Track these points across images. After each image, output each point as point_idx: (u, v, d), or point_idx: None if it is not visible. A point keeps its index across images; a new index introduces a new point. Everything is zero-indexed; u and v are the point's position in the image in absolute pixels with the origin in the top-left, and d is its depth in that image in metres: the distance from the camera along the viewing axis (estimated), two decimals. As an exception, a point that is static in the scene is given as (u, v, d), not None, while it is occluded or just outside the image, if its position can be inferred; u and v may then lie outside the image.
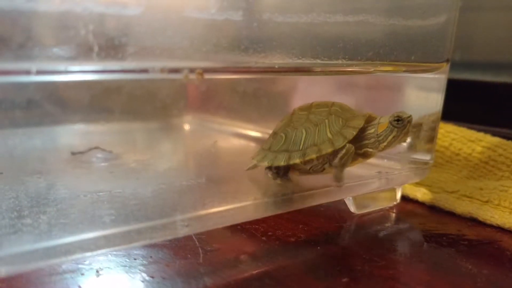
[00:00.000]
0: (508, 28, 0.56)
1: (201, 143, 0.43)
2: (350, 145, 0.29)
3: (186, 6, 0.23)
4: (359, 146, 0.30)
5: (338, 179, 0.30)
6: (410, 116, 0.30)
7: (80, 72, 0.22)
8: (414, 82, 0.38)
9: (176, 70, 0.23)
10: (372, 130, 0.30)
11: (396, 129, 0.29)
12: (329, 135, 0.30)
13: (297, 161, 0.29)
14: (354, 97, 0.36)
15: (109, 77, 0.23)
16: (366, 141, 0.30)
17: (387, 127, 0.30)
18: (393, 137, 0.30)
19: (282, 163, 0.30)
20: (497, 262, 0.28)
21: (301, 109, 0.32)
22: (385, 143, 0.30)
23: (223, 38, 0.25)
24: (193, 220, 0.26)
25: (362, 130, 0.30)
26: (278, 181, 0.31)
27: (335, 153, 0.29)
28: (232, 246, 0.29)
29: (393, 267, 0.27)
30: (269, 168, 0.31)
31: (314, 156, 0.29)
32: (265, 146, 0.32)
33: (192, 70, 0.24)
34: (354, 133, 0.29)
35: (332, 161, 0.30)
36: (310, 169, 0.31)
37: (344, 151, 0.29)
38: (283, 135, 0.31)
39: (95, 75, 0.22)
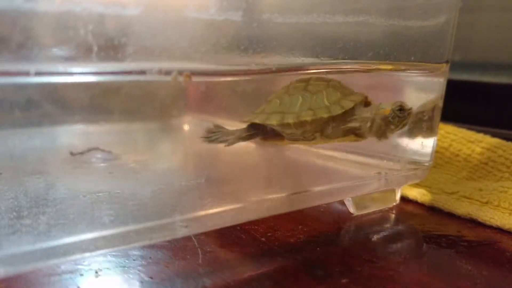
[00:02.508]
0: (508, 29, 0.56)
1: (200, 144, 0.43)
2: (381, 120, 0.29)
3: (185, 6, 0.23)
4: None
5: (380, 133, 0.30)
6: (410, 108, 0.30)
7: (78, 74, 0.22)
8: (413, 83, 0.38)
9: (166, 72, 0.23)
10: (369, 114, 0.30)
11: (397, 117, 0.29)
12: (326, 102, 0.29)
13: (290, 121, 0.29)
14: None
15: (104, 78, 0.23)
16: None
17: (389, 113, 0.29)
18: (394, 125, 0.30)
19: (274, 122, 0.29)
20: (496, 263, 0.28)
21: (299, 81, 0.31)
22: (382, 131, 0.30)
23: (223, 38, 0.25)
24: (193, 221, 0.26)
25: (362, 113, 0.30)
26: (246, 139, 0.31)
27: (329, 123, 0.29)
28: (231, 247, 0.29)
29: (392, 268, 0.27)
30: (248, 129, 0.31)
31: (308, 118, 0.29)
32: (257, 110, 0.31)
33: (180, 73, 0.23)
34: (352, 104, 0.29)
35: (324, 131, 0.30)
36: (301, 134, 0.30)
37: (362, 116, 0.29)
38: (278, 101, 0.30)
39: (91, 77, 0.22)
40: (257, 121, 0.30)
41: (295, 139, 0.31)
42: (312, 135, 0.30)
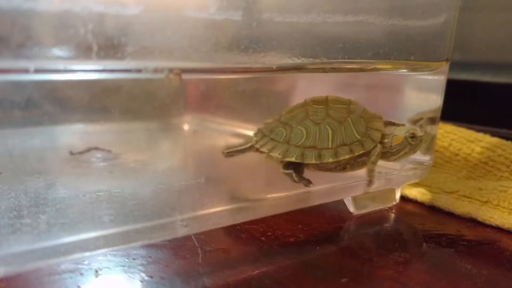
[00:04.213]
0: (508, 28, 0.56)
1: (200, 143, 0.43)
2: (381, 145, 0.30)
3: (185, 6, 0.23)
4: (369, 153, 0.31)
5: (371, 176, 0.31)
6: (422, 135, 0.31)
7: (75, 71, 0.22)
8: (413, 81, 0.38)
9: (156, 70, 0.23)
10: (386, 141, 0.31)
11: (409, 145, 0.31)
12: (357, 135, 0.30)
13: (330, 160, 0.29)
14: (354, 97, 0.36)
15: (100, 76, 0.23)
16: None
17: (401, 142, 0.31)
18: (405, 152, 0.31)
19: (312, 161, 0.29)
20: (496, 262, 0.28)
21: (316, 102, 0.31)
22: (395, 156, 0.31)
23: (223, 38, 0.25)
24: (192, 220, 0.26)
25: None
26: (300, 182, 0.30)
27: (359, 155, 0.30)
28: (231, 246, 0.29)
29: (392, 267, 0.27)
30: (287, 167, 0.30)
31: (347, 156, 0.29)
32: (278, 138, 0.30)
33: (170, 70, 0.23)
34: (379, 136, 0.30)
35: (353, 162, 0.30)
36: (334, 168, 0.31)
37: (377, 150, 0.30)
38: (303, 129, 0.30)
39: (88, 74, 0.22)
40: (293, 159, 0.29)
41: (327, 170, 0.31)
42: (343, 167, 0.31)
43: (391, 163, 0.35)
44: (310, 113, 0.30)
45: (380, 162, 0.34)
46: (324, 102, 0.31)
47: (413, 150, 0.31)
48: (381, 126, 0.31)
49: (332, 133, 0.30)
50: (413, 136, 0.30)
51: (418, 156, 0.37)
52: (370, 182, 0.31)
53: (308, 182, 0.30)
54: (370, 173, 0.31)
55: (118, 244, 0.23)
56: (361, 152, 0.29)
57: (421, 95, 0.38)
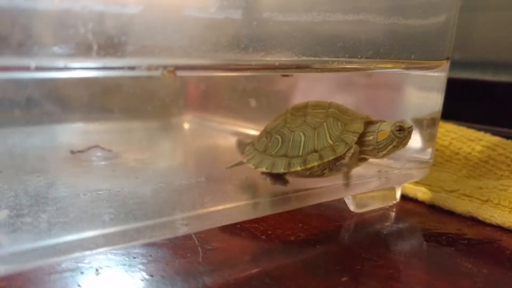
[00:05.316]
0: (508, 27, 0.56)
1: (200, 142, 0.43)
2: (357, 145, 0.29)
3: (185, 5, 0.23)
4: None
5: (347, 179, 0.29)
6: (411, 126, 0.29)
7: (74, 69, 0.22)
8: (414, 80, 0.38)
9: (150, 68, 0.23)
10: (371, 137, 0.30)
11: (397, 138, 0.29)
12: (329, 141, 0.29)
13: (298, 168, 0.29)
14: (354, 96, 0.36)
15: (98, 74, 0.23)
16: (365, 148, 0.30)
17: (388, 136, 0.29)
18: (393, 146, 0.30)
19: (281, 170, 0.29)
20: (496, 261, 0.28)
21: (296, 109, 0.31)
22: (384, 152, 0.30)
23: (223, 37, 0.25)
24: (193, 219, 0.26)
25: (361, 135, 0.30)
26: (277, 185, 0.30)
27: (336, 159, 0.29)
28: (231, 245, 0.29)
29: (392, 266, 0.27)
30: (266, 173, 0.31)
31: (315, 164, 0.29)
32: (259, 147, 0.31)
33: (164, 68, 0.23)
34: (355, 139, 0.29)
35: (332, 166, 0.30)
36: (309, 174, 0.30)
37: (351, 152, 0.29)
38: (279, 138, 0.30)
39: (88, 72, 0.22)
40: (264, 169, 0.30)
41: (305, 176, 0.31)
42: (321, 172, 0.30)
43: (392, 161, 0.35)
44: (289, 121, 0.31)
45: (379, 161, 0.34)
46: (303, 108, 0.31)
47: (402, 143, 0.30)
48: (358, 128, 0.29)
49: (304, 140, 0.29)
50: (400, 129, 0.29)
51: (419, 155, 0.37)
52: (346, 185, 0.29)
53: (285, 183, 0.30)
54: (345, 175, 0.29)
55: (119, 243, 0.23)
56: (331, 158, 0.29)
57: (422, 94, 0.38)
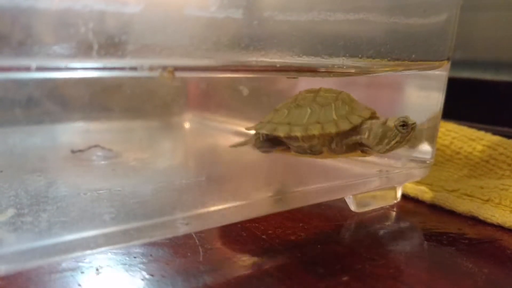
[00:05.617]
0: (509, 27, 0.56)
1: (201, 142, 0.43)
2: (378, 123, 0.29)
3: (186, 4, 0.23)
4: (362, 144, 0.30)
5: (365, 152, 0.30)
6: (414, 122, 0.29)
7: (75, 69, 0.22)
8: (415, 80, 0.38)
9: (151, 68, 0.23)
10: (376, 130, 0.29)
11: (400, 134, 0.29)
12: (334, 116, 0.29)
13: (298, 134, 0.29)
14: (355, 95, 0.36)
15: (98, 74, 0.23)
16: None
17: (392, 130, 0.29)
18: (396, 142, 0.29)
19: (281, 134, 0.29)
20: (497, 261, 0.28)
21: (308, 91, 0.31)
22: (387, 147, 0.29)
23: (224, 36, 0.25)
24: (193, 219, 0.26)
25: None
26: (261, 150, 0.30)
27: (339, 138, 0.29)
28: (232, 245, 0.29)
29: (393, 266, 0.27)
30: (258, 136, 0.31)
31: (316, 132, 0.28)
32: (265, 119, 0.31)
33: (164, 68, 0.23)
34: (360, 120, 0.29)
35: (331, 145, 0.29)
36: (308, 148, 0.30)
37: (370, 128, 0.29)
38: (286, 111, 0.30)
39: (88, 72, 0.22)
40: (264, 131, 0.30)
41: (302, 152, 0.30)
42: (320, 148, 0.30)
43: (393, 161, 0.35)
44: (299, 99, 0.31)
45: (380, 161, 0.34)
46: (315, 91, 0.31)
47: (405, 139, 0.29)
48: (365, 113, 0.29)
49: (310, 113, 0.29)
50: (403, 124, 0.29)
51: (419, 154, 0.37)
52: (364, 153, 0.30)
53: (270, 147, 0.30)
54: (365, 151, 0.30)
55: (119, 242, 0.23)
56: (333, 131, 0.28)
57: (423, 94, 0.38)
